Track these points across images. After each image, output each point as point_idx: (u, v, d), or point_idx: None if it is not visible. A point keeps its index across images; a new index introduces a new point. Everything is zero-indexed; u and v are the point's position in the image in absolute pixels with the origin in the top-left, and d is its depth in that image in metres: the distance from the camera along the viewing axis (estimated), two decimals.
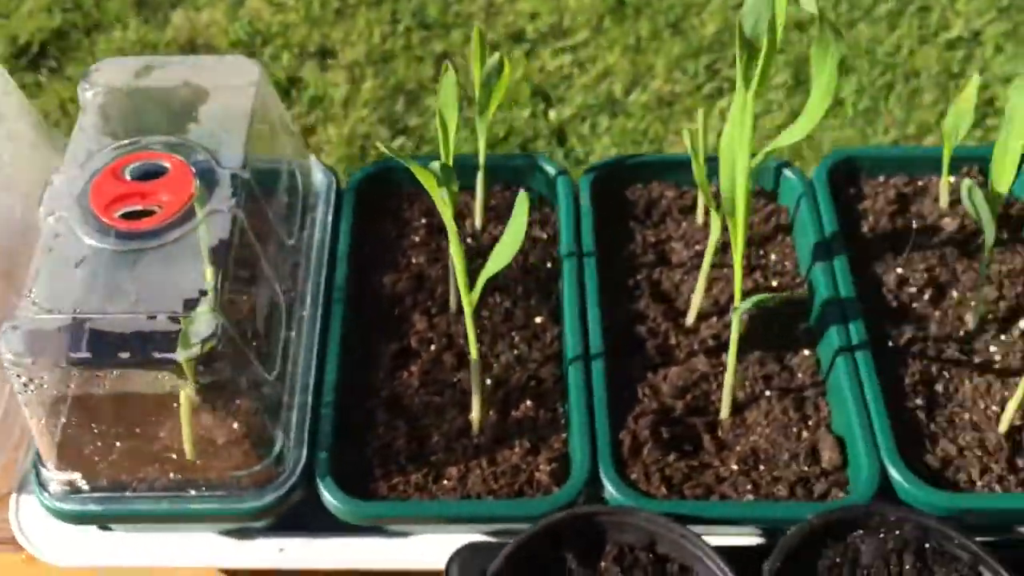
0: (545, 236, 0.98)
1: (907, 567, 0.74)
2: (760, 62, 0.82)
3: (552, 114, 2.68)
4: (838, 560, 0.74)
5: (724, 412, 0.87)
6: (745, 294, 0.94)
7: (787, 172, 1.00)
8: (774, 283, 0.95)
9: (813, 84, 0.81)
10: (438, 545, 0.82)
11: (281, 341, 0.82)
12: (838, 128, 2.65)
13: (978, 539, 0.81)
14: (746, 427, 0.86)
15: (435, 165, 0.78)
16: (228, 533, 0.85)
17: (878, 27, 2.86)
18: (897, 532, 0.75)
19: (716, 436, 0.86)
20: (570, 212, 0.96)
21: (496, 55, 0.89)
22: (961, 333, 0.91)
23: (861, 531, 0.75)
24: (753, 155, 0.77)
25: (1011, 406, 0.83)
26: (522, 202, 0.73)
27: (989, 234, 0.85)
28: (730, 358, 0.83)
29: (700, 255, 0.98)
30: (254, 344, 0.76)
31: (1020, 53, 2.79)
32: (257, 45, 2.80)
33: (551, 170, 1.00)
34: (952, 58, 2.78)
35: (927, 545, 0.75)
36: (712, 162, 0.83)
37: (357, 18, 2.86)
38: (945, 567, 0.74)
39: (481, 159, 0.96)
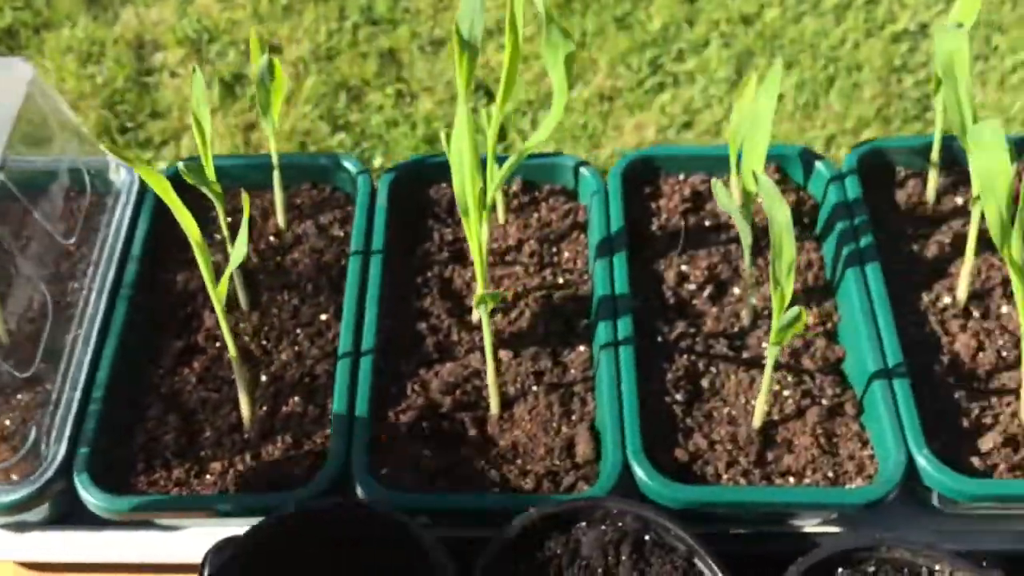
0: (343, 234, 1.00)
1: (624, 558, 0.75)
2: (505, 66, 0.84)
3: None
4: (559, 552, 0.76)
5: (493, 408, 0.88)
6: (531, 291, 0.96)
7: (583, 171, 1.01)
8: (560, 280, 0.97)
9: (553, 83, 0.83)
10: (208, 539, 0.84)
11: (44, 339, 0.84)
12: (777, 122, 2.65)
13: (732, 531, 0.84)
14: (513, 422, 0.88)
15: (183, 166, 0.80)
16: (7, 527, 0.88)
17: (824, 20, 2.85)
18: (619, 524, 0.77)
19: (483, 431, 0.88)
20: (364, 210, 0.98)
21: (266, 56, 0.91)
22: (736, 329, 0.92)
23: (584, 523, 0.77)
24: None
25: (760, 400, 0.85)
26: (245, 202, 0.75)
27: (744, 232, 0.87)
28: (487, 355, 0.85)
29: (495, 253, 1.00)
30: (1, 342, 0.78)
31: None
32: (204, 42, 2.83)
33: (352, 168, 1.02)
34: (896, 51, 2.78)
35: (647, 537, 0.76)
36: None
37: (304, 14, 2.88)
38: (662, 558, 0.75)
39: (274, 159, 0.98)
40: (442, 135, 0.87)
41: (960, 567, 0.72)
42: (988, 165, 0.76)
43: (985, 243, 0.91)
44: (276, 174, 0.99)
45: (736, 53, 2.79)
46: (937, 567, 0.73)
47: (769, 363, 0.82)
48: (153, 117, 2.67)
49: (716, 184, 0.84)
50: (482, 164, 0.83)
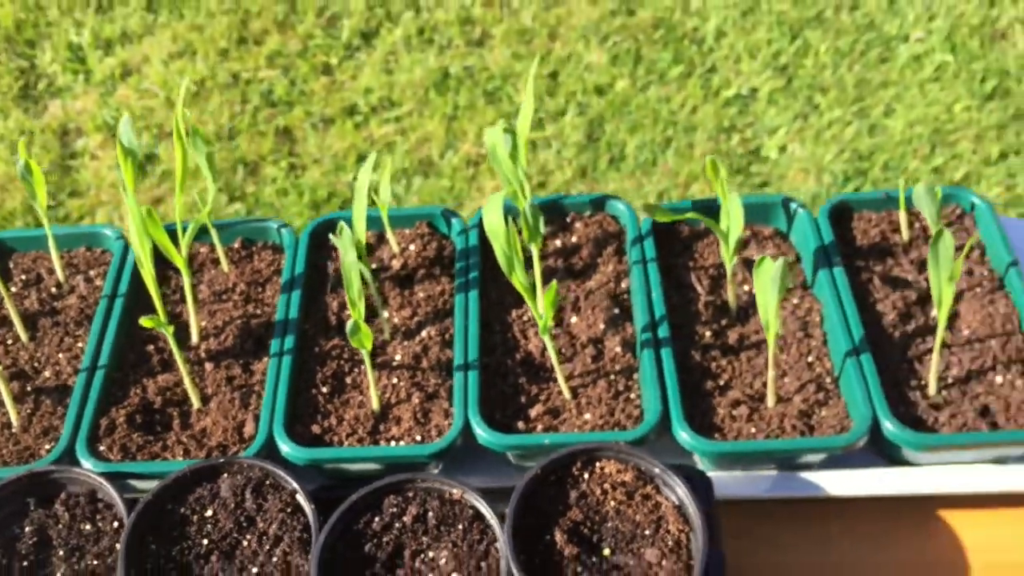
0: (102, 284, 1.36)
1: (248, 495, 1.09)
2: (178, 166, 1.19)
3: (374, 177, 3.04)
4: (205, 495, 1.10)
5: (195, 403, 1.23)
6: (236, 319, 1.31)
7: (284, 231, 1.37)
8: (259, 311, 1.32)
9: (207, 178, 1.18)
10: None
11: None
12: (619, 179, 3.02)
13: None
14: (207, 414, 1.22)
15: None
16: None
17: (668, 88, 3.22)
18: (248, 474, 1.11)
19: (186, 420, 1.22)
20: (116, 268, 1.34)
21: (22, 160, 1.27)
22: (379, 343, 1.27)
23: (225, 474, 1.11)
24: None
25: (372, 390, 1.19)
26: None
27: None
28: (180, 366, 1.20)
29: (216, 293, 1.34)
30: None
31: (790, 105, 3.15)
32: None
33: (112, 235, 1.38)
34: (727, 114, 3.14)
35: (267, 481, 1.10)
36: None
37: (211, 100, 3.26)
38: (274, 495, 1.09)
39: (48, 231, 1.34)
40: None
41: (468, 490, 1.06)
42: (490, 225, 1.10)
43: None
44: (51, 243, 1.34)
45: (588, 120, 3.15)
46: (454, 491, 1.07)
47: (367, 363, 1.16)
48: (72, 195, 3.04)
49: (342, 228, 1.19)
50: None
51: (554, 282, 1.09)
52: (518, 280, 1.12)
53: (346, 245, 1.11)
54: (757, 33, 3.35)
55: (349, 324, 1.10)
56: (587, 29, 3.36)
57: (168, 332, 1.17)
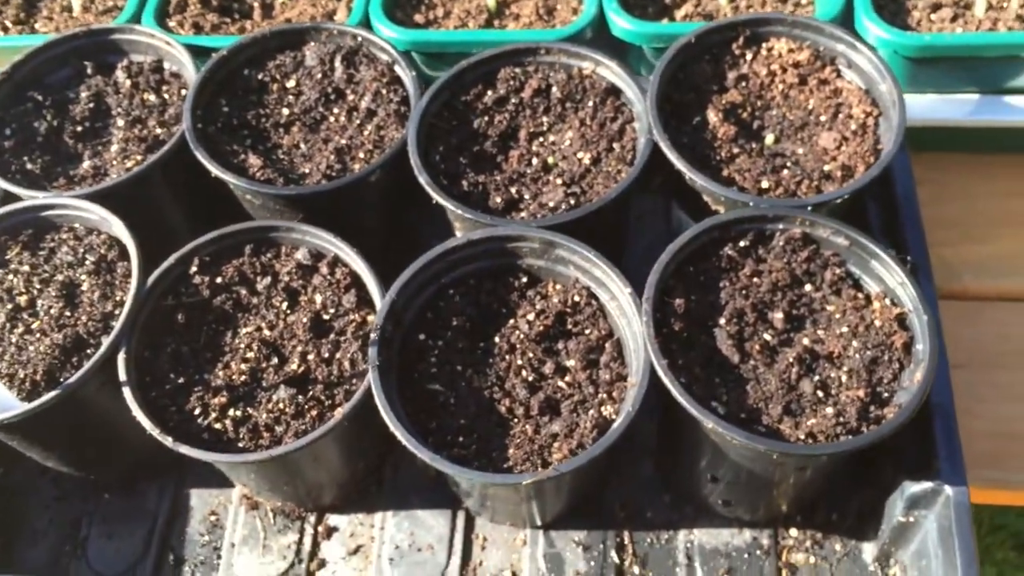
0: None
1: (337, 64, 0.91)
2: None
3: None
4: (287, 62, 0.93)
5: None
6: None
7: None
8: None
9: None
10: None
11: None
12: None
13: None
14: (293, 4, 1.04)
15: None
16: None
17: None
18: (338, 42, 0.93)
19: (269, 11, 1.05)
20: None
21: None
22: None
23: (312, 43, 0.94)
24: None
25: None
26: None
27: None
28: None
29: None
30: None
31: None
32: None
33: None
34: None
35: (362, 51, 0.93)
36: None
37: None
38: (368, 65, 0.91)
39: None
40: None
41: (603, 62, 0.87)
42: None
43: None
44: None
45: None
46: (584, 64, 0.88)
47: None
48: None
49: None
50: None
51: None
52: None
53: None
54: None
55: None
56: None
57: None
